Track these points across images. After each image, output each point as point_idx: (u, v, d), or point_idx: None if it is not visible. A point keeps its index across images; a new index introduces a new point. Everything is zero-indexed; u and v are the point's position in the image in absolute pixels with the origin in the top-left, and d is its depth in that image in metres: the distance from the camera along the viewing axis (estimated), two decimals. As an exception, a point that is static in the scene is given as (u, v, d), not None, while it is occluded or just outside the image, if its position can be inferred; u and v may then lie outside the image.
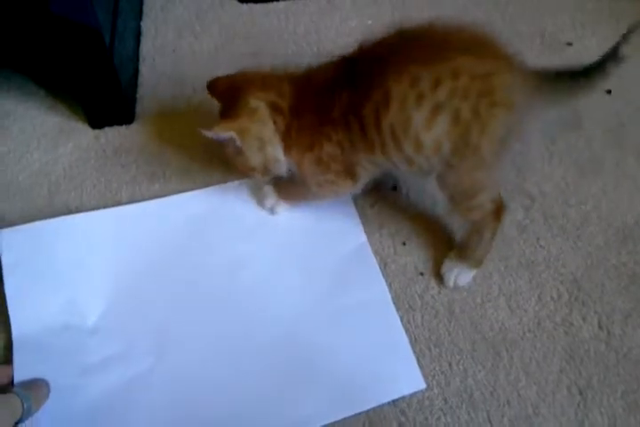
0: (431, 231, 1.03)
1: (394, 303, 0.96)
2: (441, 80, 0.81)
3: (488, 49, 0.85)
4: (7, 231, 1.01)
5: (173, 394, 0.89)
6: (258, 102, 0.92)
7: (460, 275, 0.98)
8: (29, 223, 1.02)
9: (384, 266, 1.00)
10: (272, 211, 1.05)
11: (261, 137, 0.93)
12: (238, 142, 0.91)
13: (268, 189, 1.05)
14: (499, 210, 0.96)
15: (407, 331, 0.94)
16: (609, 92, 1.17)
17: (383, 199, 1.07)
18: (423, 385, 0.90)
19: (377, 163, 0.91)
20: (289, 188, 1.03)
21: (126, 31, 1.19)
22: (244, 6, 1.33)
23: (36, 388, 0.87)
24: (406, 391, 0.90)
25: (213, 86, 0.98)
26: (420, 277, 0.99)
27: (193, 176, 1.09)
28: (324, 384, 0.89)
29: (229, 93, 0.95)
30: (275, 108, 0.93)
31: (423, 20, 0.84)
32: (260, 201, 1.06)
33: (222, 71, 0.99)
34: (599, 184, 1.09)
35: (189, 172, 1.10)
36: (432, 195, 1.02)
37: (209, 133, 0.90)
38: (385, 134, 0.85)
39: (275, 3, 1.33)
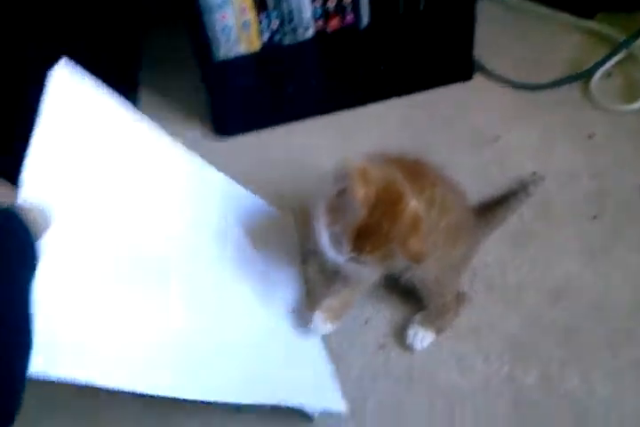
0: (390, 308, 1.19)
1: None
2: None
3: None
4: None
5: None
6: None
7: (423, 338, 1.13)
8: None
9: (349, 345, 1.15)
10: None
11: None
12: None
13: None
14: (461, 295, 1.17)
15: (370, 398, 1.09)
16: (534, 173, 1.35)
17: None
18: (342, 408, 1.02)
19: None
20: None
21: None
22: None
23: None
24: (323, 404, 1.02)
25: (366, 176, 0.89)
26: (381, 350, 1.14)
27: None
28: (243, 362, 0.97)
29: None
30: None
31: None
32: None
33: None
34: (532, 252, 1.24)
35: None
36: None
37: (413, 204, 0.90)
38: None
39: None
